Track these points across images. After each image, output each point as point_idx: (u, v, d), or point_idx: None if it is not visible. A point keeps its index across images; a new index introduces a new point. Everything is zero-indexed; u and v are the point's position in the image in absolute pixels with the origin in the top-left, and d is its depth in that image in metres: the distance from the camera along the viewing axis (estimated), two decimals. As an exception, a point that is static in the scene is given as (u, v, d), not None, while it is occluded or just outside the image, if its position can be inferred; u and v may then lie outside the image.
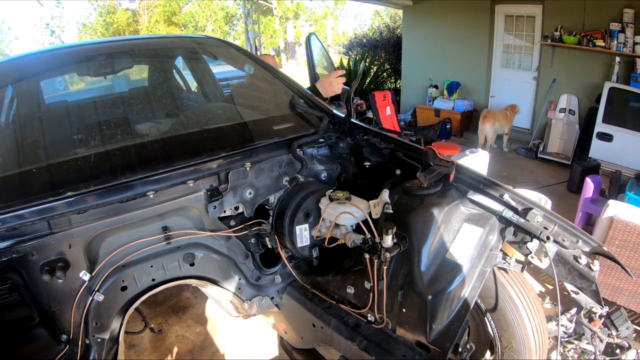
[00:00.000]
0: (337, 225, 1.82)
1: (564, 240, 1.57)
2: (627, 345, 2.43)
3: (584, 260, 1.58)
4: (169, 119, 2.22)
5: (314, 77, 2.63)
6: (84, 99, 2.49)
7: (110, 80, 2.58)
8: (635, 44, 5.71)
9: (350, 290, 1.84)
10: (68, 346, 1.63)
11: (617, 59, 5.84)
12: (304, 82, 2.76)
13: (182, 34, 18.12)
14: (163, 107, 2.35)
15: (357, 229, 1.79)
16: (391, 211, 1.63)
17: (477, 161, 3.74)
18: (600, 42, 5.98)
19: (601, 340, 2.43)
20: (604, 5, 5.93)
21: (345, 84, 2.66)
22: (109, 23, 22.29)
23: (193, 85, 3.10)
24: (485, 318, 1.86)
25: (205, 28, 23.25)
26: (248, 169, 1.87)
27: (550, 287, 3.17)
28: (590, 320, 2.46)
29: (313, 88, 2.58)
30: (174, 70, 2.97)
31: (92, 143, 1.87)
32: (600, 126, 5.43)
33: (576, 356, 2.47)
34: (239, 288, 2.02)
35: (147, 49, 2.67)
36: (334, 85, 2.59)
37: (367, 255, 1.58)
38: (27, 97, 2.08)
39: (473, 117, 8.01)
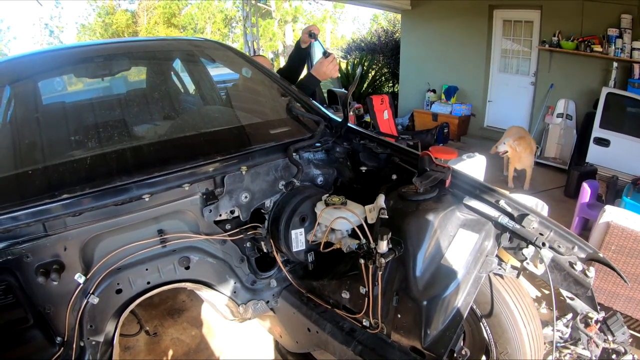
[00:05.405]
0: (332, 230, 1.82)
1: (559, 247, 1.57)
2: (623, 350, 2.42)
3: (579, 266, 1.58)
4: (167, 121, 2.22)
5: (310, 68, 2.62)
6: (82, 100, 2.49)
7: (109, 81, 2.58)
8: (632, 49, 5.71)
9: (346, 295, 1.84)
10: (62, 348, 1.63)
11: (615, 64, 5.84)
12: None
13: (180, 36, 18.13)
14: (160, 109, 2.35)
15: (353, 234, 1.78)
16: (387, 216, 1.63)
17: (474, 166, 3.75)
18: (597, 48, 5.98)
19: (597, 346, 2.42)
20: (601, 10, 5.93)
21: (342, 87, 2.65)
22: (108, 24, 22.22)
23: (191, 87, 3.10)
24: (481, 323, 1.85)
25: (204, 30, 23.22)
26: (244, 172, 1.86)
27: (547, 292, 3.17)
28: (587, 325, 2.46)
29: (309, 75, 2.58)
30: (172, 73, 2.97)
31: (89, 145, 1.86)
32: (597, 131, 5.42)
33: (572, 361, 2.47)
34: (234, 292, 2.02)
35: (145, 51, 2.67)
36: (329, 68, 2.54)
37: (362, 261, 1.58)
38: (25, 98, 2.07)
39: (470, 121, 8.03)
